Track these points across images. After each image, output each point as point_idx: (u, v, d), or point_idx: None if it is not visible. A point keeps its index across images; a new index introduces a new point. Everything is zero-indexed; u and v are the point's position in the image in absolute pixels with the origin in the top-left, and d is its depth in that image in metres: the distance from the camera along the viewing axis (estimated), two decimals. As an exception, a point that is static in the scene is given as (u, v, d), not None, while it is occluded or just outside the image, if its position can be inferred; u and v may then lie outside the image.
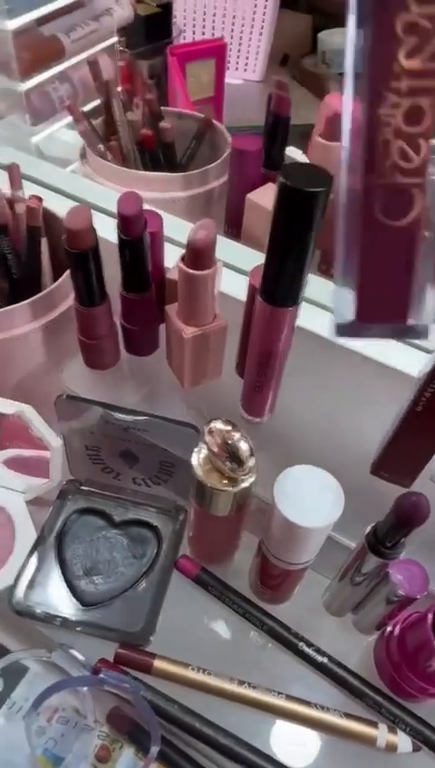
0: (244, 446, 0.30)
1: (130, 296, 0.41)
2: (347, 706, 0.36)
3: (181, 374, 0.44)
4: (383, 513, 0.33)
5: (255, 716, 0.35)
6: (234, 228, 0.57)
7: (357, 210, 0.15)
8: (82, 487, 0.44)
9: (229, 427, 0.30)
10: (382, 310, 0.17)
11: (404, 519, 0.27)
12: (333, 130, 0.51)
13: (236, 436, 0.30)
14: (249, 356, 0.38)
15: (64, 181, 0.59)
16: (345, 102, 0.17)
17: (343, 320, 0.23)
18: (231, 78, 0.91)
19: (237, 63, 1.01)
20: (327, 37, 0.98)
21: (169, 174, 0.60)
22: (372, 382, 0.45)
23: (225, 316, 0.41)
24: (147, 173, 0.61)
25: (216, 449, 0.30)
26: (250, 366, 0.39)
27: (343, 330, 0.24)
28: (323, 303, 0.45)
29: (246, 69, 1.02)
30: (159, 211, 0.41)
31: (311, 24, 1.06)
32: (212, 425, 0.30)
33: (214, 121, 0.66)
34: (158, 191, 0.59)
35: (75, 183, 0.60)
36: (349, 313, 0.21)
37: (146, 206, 0.38)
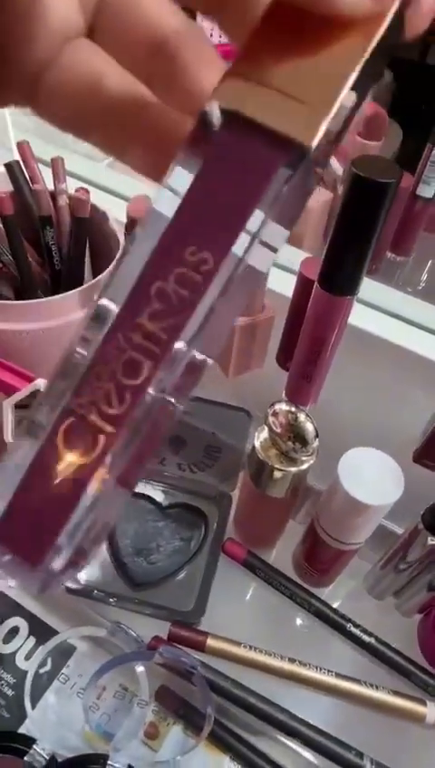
0: (309, 427, 0.31)
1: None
2: (394, 686, 0.37)
3: (227, 364, 0.45)
4: (427, 501, 0.34)
5: (305, 694, 0.36)
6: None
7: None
8: (128, 472, 0.45)
9: (294, 408, 0.31)
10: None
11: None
12: (372, 128, 0.52)
13: (302, 416, 0.31)
14: (300, 344, 0.39)
15: (99, 175, 0.60)
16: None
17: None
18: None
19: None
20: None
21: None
22: (412, 374, 0.46)
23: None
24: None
25: (279, 429, 0.32)
26: (301, 354, 0.40)
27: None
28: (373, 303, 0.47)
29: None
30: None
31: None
32: (277, 406, 0.32)
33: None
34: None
35: (109, 177, 0.61)
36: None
37: None
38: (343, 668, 0.37)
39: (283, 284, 0.43)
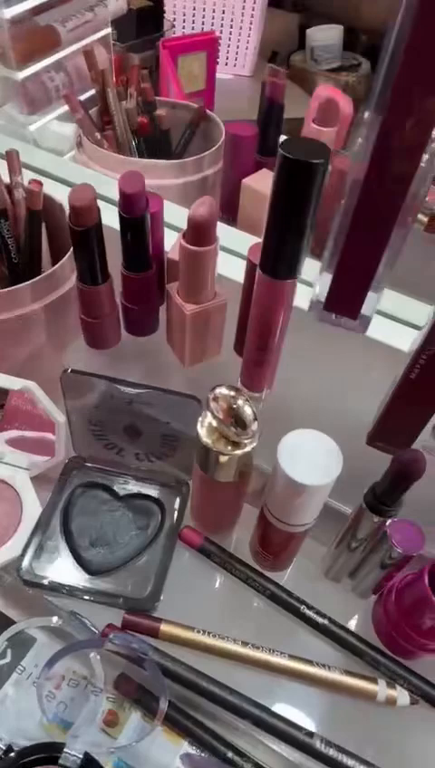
0: (248, 411, 0.31)
1: (131, 275, 0.42)
2: (347, 666, 0.37)
3: (182, 353, 0.45)
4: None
5: (259, 677, 0.37)
6: (229, 214, 0.59)
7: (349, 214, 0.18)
8: (86, 464, 0.45)
9: (233, 392, 0.31)
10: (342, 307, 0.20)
11: (403, 474, 0.29)
12: (325, 116, 0.52)
13: (241, 400, 0.31)
14: (249, 330, 0.40)
15: (62, 169, 0.60)
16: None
17: (316, 299, 0.30)
18: (221, 73, 0.92)
19: (227, 59, 1.02)
20: (315, 33, 1.00)
21: (164, 161, 0.61)
22: (366, 358, 0.47)
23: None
24: (143, 160, 0.62)
25: (221, 415, 0.32)
26: (250, 341, 0.40)
27: (315, 306, 0.32)
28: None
29: (236, 64, 1.03)
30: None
31: (298, 21, 1.08)
32: (217, 390, 0.32)
33: (208, 111, 0.67)
34: (153, 178, 0.60)
35: (73, 170, 0.60)
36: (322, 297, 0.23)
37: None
38: (301, 651, 0.37)
39: (236, 271, 0.43)
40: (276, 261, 0.34)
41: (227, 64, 1.03)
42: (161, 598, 0.39)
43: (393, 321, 0.46)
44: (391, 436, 0.40)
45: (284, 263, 0.34)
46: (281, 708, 0.35)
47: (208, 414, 0.33)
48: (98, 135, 0.61)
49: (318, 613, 0.38)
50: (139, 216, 0.39)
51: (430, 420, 0.41)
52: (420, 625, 0.34)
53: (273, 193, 0.31)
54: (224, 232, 0.56)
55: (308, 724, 0.35)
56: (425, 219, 0.56)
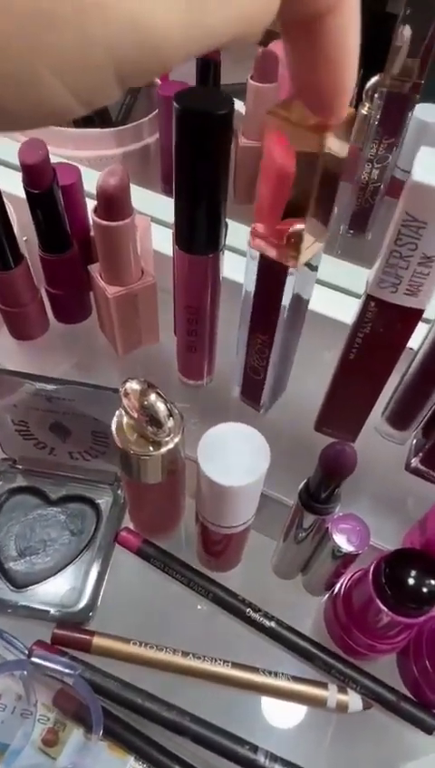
0: (161, 407, 0.28)
1: (48, 257, 0.38)
2: (300, 671, 0.34)
3: (114, 340, 0.41)
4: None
5: (203, 688, 0.34)
6: (171, 184, 0.54)
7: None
8: (17, 465, 0.41)
9: (143, 387, 0.28)
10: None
11: (330, 470, 0.26)
12: (265, 71, 0.47)
13: (153, 396, 0.28)
14: (177, 313, 0.36)
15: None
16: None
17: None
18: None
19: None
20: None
21: (99, 130, 0.56)
22: (317, 339, 0.43)
23: (162, 276, 0.38)
24: (77, 130, 0.57)
25: (135, 414, 0.28)
26: (180, 324, 0.36)
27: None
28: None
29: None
30: (95, 171, 0.38)
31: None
32: (127, 385, 0.28)
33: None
34: (91, 149, 0.56)
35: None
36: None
37: (65, 161, 0.35)
38: (249, 656, 0.35)
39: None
40: (191, 235, 0.30)
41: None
42: (97, 607, 0.36)
43: (337, 291, 0.42)
44: (337, 422, 0.37)
45: (199, 236, 0.30)
46: (225, 721, 0.33)
47: (122, 412, 0.29)
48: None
49: (265, 616, 0.35)
50: (44, 189, 0.34)
51: (384, 405, 0.38)
52: (368, 625, 0.31)
53: (175, 157, 0.26)
54: (163, 204, 0.51)
55: (255, 736, 0.32)
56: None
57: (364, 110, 0.45)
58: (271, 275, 0.28)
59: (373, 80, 0.44)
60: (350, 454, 0.24)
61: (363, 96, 0.45)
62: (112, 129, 0.55)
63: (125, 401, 0.28)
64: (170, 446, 0.30)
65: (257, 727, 0.34)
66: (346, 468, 0.25)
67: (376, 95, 0.42)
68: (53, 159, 0.38)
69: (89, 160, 0.56)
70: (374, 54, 0.40)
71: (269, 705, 0.34)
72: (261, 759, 0.31)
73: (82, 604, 0.36)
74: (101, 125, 0.59)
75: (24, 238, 0.40)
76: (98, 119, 0.59)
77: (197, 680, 0.34)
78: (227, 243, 0.32)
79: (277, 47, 0.48)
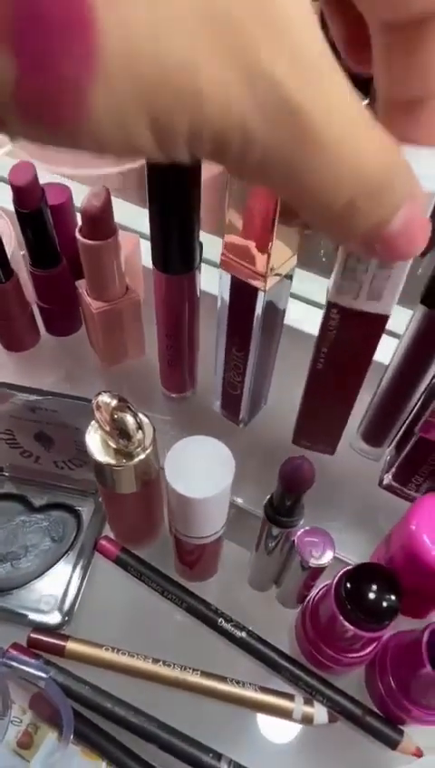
0: (129, 420, 0.29)
1: (38, 272, 0.40)
2: (270, 682, 0.35)
3: (100, 353, 0.43)
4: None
5: (174, 696, 0.35)
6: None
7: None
8: (4, 473, 0.43)
9: (115, 401, 0.29)
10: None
11: (288, 484, 0.26)
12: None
13: (122, 410, 0.29)
14: (157, 329, 0.37)
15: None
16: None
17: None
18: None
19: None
20: None
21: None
22: (298, 353, 0.44)
23: (150, 292, 0.40)
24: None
25: (106, 427, 0.29)
26: (160, 340, 0.38)
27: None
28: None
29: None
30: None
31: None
32: (99, 399, 0.29)
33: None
34: (87, 167, 0.58)
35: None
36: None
37: (62, 180, 0.37)
38: (221, 666, 0.35)
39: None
40: (166, 255, 0.31)
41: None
42: (74, 613, 0.37)
43: (315, 307, 0.43)
44: (313, 435, 0.38)
45: (174, 256, 0.31)
46: (195, 729, 0.33)
47: (96, 424, 0.30)
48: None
49: (236, 626, 0.36)
50: (33, 209, 0.36)
51: (359, 420, 0.38)
52: (333, 638, 0.32)
53: (147, 179, 0.28)
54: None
55: (221, 745, 0.33)
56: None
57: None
58: (243, 292, 0.29)
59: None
60: (307, 469, 0.25)
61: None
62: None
63: (97, 414, 0.30)
64: (142, 456, 0.31)
65: (224, 736, 0.34)
66: (304, 483, 0.26)
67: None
68: (53, 179, 0.40)
69: (89, 179, 0.58)
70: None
71: (238, 715, 0.35)
72: (224, 767, 0.31)
73: (59, 609, 0.37)
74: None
75: (22, 252, 0.42)
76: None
77: (172, 688, 0.35)
78: (208, 257, 0.33)
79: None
